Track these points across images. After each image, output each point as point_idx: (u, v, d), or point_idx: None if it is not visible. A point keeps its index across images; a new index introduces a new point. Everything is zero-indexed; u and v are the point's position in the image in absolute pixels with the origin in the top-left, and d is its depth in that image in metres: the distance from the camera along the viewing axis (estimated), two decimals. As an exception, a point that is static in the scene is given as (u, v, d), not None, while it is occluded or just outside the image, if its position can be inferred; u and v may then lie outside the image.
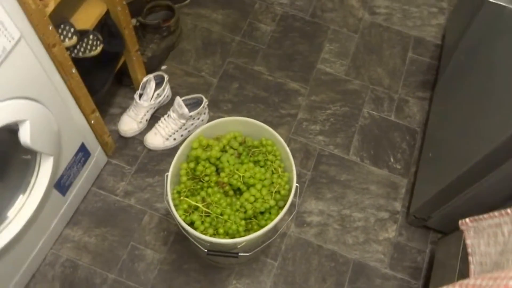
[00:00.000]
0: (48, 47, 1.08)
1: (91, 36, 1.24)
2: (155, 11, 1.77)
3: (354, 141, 1.71)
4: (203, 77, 1.79)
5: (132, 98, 1.66)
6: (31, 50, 1.01)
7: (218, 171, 1.27)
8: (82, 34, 1.22)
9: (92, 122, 1.41)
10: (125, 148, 1.64)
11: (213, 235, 1.17)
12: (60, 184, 1.35)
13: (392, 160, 1.68)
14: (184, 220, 1.14)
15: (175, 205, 1.18)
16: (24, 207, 1.20)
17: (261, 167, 1.26)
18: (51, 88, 1.13)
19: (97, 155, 1.52)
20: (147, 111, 1.63)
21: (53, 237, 1.46)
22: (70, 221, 1.50)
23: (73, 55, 1.25)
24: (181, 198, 1.19)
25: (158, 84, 1.64)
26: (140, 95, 1.63)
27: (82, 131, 1.37)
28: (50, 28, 1.05)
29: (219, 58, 1.84)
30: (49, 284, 1.40)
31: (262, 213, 1.24)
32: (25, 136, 1.05)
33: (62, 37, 1.16)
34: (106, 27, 1.33)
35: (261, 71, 1.83)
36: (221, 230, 1.17)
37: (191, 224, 1.17)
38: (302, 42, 1.91)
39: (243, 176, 1.21)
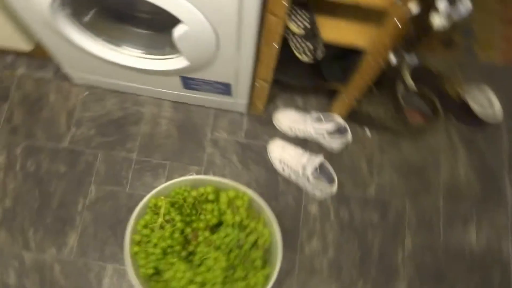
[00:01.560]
0: (267, 11, 1.00)
1: (309, 44, 1.09)
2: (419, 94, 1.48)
3: None
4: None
5: (312, 108, 1.55)
6: None
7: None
8: (310, 36, 1.09)
9: (256, 85, 1.34)
10: (263, 123, 1.56)
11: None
12: (187, 81, 1.37)
13: None
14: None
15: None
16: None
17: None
18: (232, 28, 1.04)
19: (237, 102, 1.47)
20: (305, 133, 1.51)
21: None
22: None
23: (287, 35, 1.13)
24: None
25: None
26: (318, 120, 1.48)
27: (235, 78, 1.30)
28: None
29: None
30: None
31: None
32: (177, 34, 1.05)
33: (293, 16, 1.05)
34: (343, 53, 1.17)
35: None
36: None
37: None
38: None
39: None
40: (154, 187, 1.15)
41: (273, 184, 1.49)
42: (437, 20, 0.79)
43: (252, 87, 1.38)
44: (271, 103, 1.59)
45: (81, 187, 1.44)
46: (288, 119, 1.53)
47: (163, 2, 0.96)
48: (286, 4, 0.97)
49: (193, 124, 1.55)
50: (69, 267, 1.36)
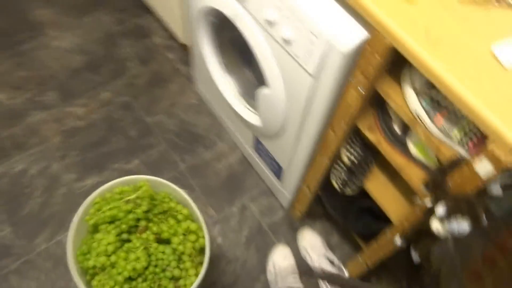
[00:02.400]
0: (329, 123, 1.05)
1: (345, 176, 1.07)
2: None
3: None
4: None
5: (336, 247, 1.46)
6: (328, 94, 0.97)
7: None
8: (351, 171, 1.07)
9: (302, 187, 1.35)
10: (290, 228, 1.54)
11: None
12: (257, 144, 1.46)
13: None
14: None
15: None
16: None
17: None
18: (298, 114, 1.11)
19: (283, 192, 1.49)
20: (311, 262, 1.43)
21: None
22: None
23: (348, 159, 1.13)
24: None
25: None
26: (330, 263, 1.39)
27: (288, 165, 1.35)
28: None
29: None
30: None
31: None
32: (261, 92, 1.17)
33: (349, 145, 1.06)
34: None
35: None
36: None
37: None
38: None
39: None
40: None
41: (254, 275, 1.45)
42: (435, 225, 0.73)
43: (298, 189, 1.40)
44: (311, 219, 1.56)
45: (134, 153, 1.63)
46: (309, 241, 1.47)
47: (262, 59, 1.09)
48: (345, 128, 1.00)
49: (242, 182, 1.61)
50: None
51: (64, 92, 1.74)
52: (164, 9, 1.72)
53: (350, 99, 0.94)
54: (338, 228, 1.55)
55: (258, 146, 1.46)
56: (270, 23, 1.00)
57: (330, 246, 1.51)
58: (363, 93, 0.90)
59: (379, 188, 1.09)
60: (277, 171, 1.42)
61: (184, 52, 1.87)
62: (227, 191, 1.60)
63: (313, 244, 1.44)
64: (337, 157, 1.12)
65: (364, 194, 1.15)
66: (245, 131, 1.51)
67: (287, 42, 0.98)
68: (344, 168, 1.07)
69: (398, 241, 0.95)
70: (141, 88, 1.78)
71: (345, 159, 1.04)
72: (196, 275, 1.10)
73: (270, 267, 1.44)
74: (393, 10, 0.78)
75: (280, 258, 1.44)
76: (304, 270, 1.39)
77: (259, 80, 1.35)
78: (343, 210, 1.24)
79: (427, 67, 0.73)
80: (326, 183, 1.27)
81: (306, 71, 0.97)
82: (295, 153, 1.25)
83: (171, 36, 1.89)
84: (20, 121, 1.66)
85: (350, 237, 1.52)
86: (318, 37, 0.89)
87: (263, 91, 1.17)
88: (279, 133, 1.24)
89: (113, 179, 1.52)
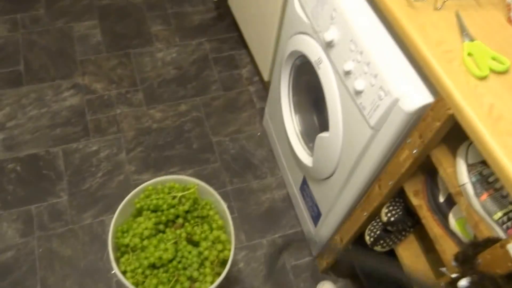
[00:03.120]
0: (377, 178, 1.06)
1: (379, 233, 1.06)
2: None
3: None
4: None
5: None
6: (384, 148, 1.00)
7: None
8: (386, 229, 1.06)
9: (335, 238, 1.35)
10: (312, 277, 1.52)
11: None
12: (303, 185, 1.49)
13: None
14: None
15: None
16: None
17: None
18: (349, 165, 1.13)
19: (315, 239, 1.49)
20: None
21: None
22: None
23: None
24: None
25: None
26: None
27: (327, 212, 1.35)
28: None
29: None
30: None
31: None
32: (320, 135, 1.23)
33: (391, 204, 1.06)
34: None
35: None
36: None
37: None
38: None
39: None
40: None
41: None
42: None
43: (330, 239, 1.40)
44: (335, 274, 1.53)
45: (191, 163, 1.73)
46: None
47: (331, 105, 1.15)
48: (391, 186, 1.02)
49: (279, 219, 1.64)
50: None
51: (150, 96, 1.91)
52: (259, 47, 1.86)
53: (402, 158, 0.97)
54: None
55: (304, 187, 1.49)
56: (346, 74, 1.07)
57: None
58: (417, 155, 0.92)
59: (410, 257, 1.08)
60: (316, 217, 1.44)
61: (264, 89, 1.99)
62: (262, 223, 1.62)
63: None
64: (376, 213, 1.12)
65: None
66: (295, 170, 1.55)
67: (357, 93, 1.04)
68: (381, 225, 1.07)
69: None
70: (215, 109, 1.90)
71: (384, 217, 1.05)
72: (212, 283, 1.13)
73: None
74: (462, 82, 0.82)
75: None
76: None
77: (322, 125, 1.41)
78: (369, 269, 1.22)
79: (484, 142, 0.74)
80: (358, 239, 1.27)
81: (368, 123, 1.01)
82: (337, 201, 1.26)
83: (257, 72, 2.03)
84: (107, 110, 1.84)
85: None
86: (386, 94, 0.94)
87: (322, 134, 1.22)
88: (328, 178, 1.27)
89: (166, 180, 1.63)
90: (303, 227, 1.61)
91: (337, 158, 1.18)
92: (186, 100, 1.92)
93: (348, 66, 1.05)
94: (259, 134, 1.85)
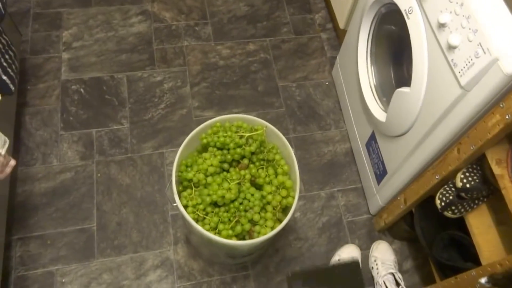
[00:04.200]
0: (457, 141, 1.05)
1: (453, 198, 1.06)
2: None
3: None
4: None
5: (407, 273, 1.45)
6: (472, 111, 0.98)
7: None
8: (460, 196, 1.07)
9: (398, 198, 1.37)
10: (367, 231, 1.57)
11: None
12: (370, 141, 1.50)
13: None
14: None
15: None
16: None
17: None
18: (427, 123, 1.13)
19: (376, 198, 1.51)
20: (376, 275, 1.44)
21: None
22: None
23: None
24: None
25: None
26: (396, 284, 1.40)
27: (393, 171, 1.36)
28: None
29: None
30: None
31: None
32: (398, 90, 1.21)
33: (467, 170, 1.05)
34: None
35: None
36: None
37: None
38: None
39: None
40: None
41: (315, 261, 1.51)
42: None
43: (393, 199, 1.42)
44: (392, 235, 1.57)
45: (255, 106, 1.77)
46: (382, 254, 1.48)
47: (417, 59, 1.13)
48: (473, 151, 1.01)
49: (340, 172, 1.67)
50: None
51: (219, 31, 1.93)
52: None
53: (491, 124, 0.95)
54: (416, 254, 1.54)
55: (371, 143, 1.50)
56: (441, 26, 1.04)
57: (401, 270, 1.51)
58: (510, 121, 0.91)
59: (480, 226, 1.08)
60: (380, 174, 1.45)
61: (336, 37, 1.95)
62: (322, 175, 1.66)
63: (385, 259, 1.45)
64: (449, 178, 1.13)
65: (459, 225, 1.15)
66: (364, 124, 1.55)
67: (450, 48, 1.01)
68: (454, 191, 1.08)
69: (484, 282, 0.94)
70: (284, 53, 1.90)
71: (459, 183, 1.05)
72: (272, 228, 1.19)
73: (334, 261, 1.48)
74: None
75: (347, 257, 1.47)
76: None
77: (399, 80, 1.38)
78: (432, 234, 1.24)
79: None
80: (424, 202, 1.28)
81: (458, 82, 0.99)
82: (408, 160, 1.27)
83: (331, 19, 1.99)
84: (174, 41, 1.89)
85: (426, 268, 1.51)
86: (485, 52, 0.91)
87: (401, 89, 1.21)
88: (401, 135, 1.27)
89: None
90: (363, 183, 1.63)
91: (415, 116, 1.17)
92: (255, 40, 1.93)
93: (444, 18, 1.02)
94: (327, 83, 1.85)
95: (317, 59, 1.91)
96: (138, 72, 1.81)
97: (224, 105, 1.77)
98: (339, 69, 1.76)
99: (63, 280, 1.42)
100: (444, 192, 1.10)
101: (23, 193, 1.54)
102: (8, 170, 1.16)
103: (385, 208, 1.48)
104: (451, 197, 1.07)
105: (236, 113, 1.74)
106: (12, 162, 1.17)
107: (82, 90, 1.75)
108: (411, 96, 1.17)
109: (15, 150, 1.57)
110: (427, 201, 1.27)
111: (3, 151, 1.12)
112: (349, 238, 1.57)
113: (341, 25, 1.82)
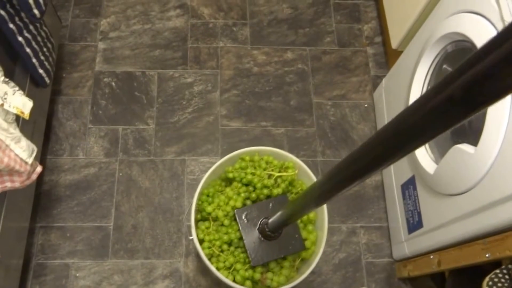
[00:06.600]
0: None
1: None
2: None
3: None
4: None
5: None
6: None
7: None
8: None
9: (429, 256, 1.23)
10: (385, 277, 1.49)
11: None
12: (408, 184, 1.36)
13: None
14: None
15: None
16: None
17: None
18: (489, 198, 0.98)
19: (404, 247, 1.40)
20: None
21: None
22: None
23: None
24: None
25: None
26: None
27: (431, 228, 1.23)
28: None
29: None
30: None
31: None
32: (457, 146, 1.05)
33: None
34: None
35: None
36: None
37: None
38: None
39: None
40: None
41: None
42: None
43: (423, 254, 1.27)
44: (411, 287, 1.45)
45: (285, 121, 1.73)
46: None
47: (492, 114, 0.96)
48: None
49: (366, 207, 1.55)
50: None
51: (257, 35, 1.77)
52: (395, 5, 1.64)
53: None
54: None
55: (409, 187, 1.34)
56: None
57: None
58: None
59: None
60: (414, 225, 1.29)
61: (384, 53, 1.78)
62: (347, 207, 1.53)
63: None
64: (503, 262, 0.97)
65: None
66: (403, 165, 1.38)
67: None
68: (509, 281, 0.92)
69: None
70: (324, 66, 1.74)
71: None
72: (286, 277, 1.09)
73: None
74: None
75: None
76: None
77: (456, 131, 1.18)
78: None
79: None
80: (461, 269, 1.13)
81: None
82: (453, 225, 1.09)
83: (382, 32, 1.80)
84: (210, 41, 1.75)
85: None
86: None
87: (461, 147, 1.02)
88: (451, 196, 1.09)
89: (254, 134, 1.60)
90: (390, 224, 1.49)
91: (476, 182, 0.98)
92: (294, 48, 1.78)
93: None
94: (366, 105, 1.70)
95: (358, 77, 1.76)
96: (170, 70, 1.72)
97: (253, 116, 1.65)
98: (383, 92, 1.59)
99: (77, 275, 1.39)
100: (496, 280, 0.91)
101: (49, 182, 1.50)
102: (34, 176, 1.10)
103: (412, 260, 1.33)
104: (504, 287, 0.92)
105: (264, 126, 1.64)
106: (39, 169, 1.10)
107: (113, 83, 1.66)
108: (476, 159, 0.97)
109: (46, 138, 1.51)
110: (465, 269, 1.12)
111: (30, 160, 1.16)
112: (366, 280, 1.44)
113: (394, 44, 1.62)
